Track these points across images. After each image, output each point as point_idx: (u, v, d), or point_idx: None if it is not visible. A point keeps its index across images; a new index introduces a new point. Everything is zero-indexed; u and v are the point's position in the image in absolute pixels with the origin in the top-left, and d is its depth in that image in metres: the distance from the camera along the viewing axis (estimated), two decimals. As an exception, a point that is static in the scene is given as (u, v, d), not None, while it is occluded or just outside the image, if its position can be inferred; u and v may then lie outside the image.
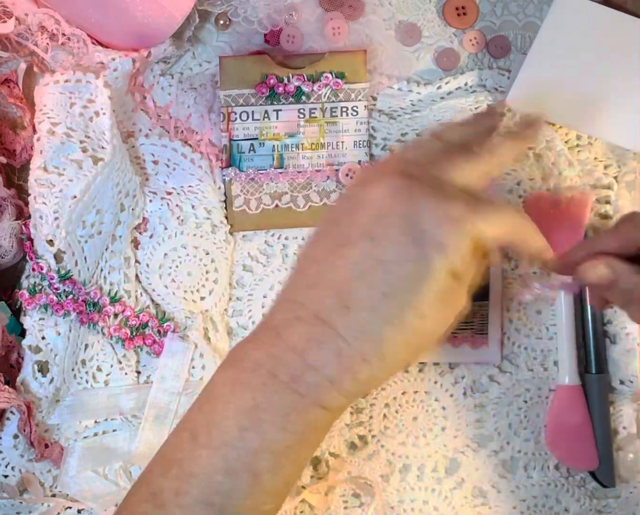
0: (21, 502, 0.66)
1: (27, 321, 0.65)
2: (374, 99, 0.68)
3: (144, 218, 0.68)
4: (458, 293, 0.49)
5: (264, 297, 0.69)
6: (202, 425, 0.49)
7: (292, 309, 0.49)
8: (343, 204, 0.52)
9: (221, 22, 0.68)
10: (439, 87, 0.68)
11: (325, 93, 0.67)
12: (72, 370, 0.66)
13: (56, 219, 0.64)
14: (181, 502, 0.46)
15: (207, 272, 0.68)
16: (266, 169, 0.67)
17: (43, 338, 0.65)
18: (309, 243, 0.52)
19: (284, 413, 0.47)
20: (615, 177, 0.68)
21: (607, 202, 0.68)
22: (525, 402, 0.68)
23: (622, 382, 0.68)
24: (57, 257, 0.65)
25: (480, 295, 0.66)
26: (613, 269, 0.52)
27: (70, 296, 0.65)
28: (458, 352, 0.68)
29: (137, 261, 0.68)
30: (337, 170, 0.67)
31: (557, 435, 0.67)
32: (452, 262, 0.47)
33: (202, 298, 0.68)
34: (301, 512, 0.68)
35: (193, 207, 0.68)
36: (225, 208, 0.68)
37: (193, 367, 0.67)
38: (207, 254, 0.68)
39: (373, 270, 0.47)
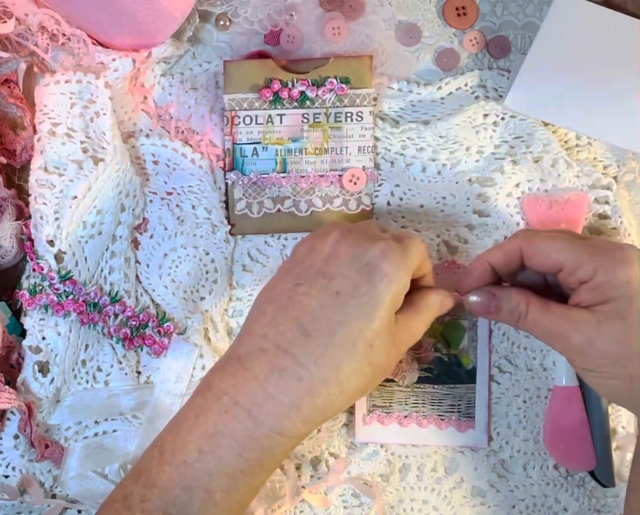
0: (22, 503, 0.66)
1: (28, 321, 0.65)
2: (375, 99, 0.68)
3: (144, 218, 0.68)
4: (404, 328, 0.57)
5: (264, 297, 0.69)
6: (169, 444, 0.54)
7: (255, 342, 0.54)
8: (296, 254, 0.58)
9: (221, 22, 0.68)
10: (439, 88, 0.68)
11: (330, 98, 0.67)
12: (73, 370, 0.66)
13: (57, 219, 0.64)
14: (144, 507, 0.52)
15: (207, 272, 0.68)
16: (269, 173, 0.67)
17: (43, 338, 0.65)
18: (266, 288, 0.58)
19: (241, 440, 0.52)
20: (615, 177, 0.68)
21: (606, 203, 0.68)
22: (525, 402, 0.68)
23: (621, 382, 0.68)
24: (58, 258, 0.65)
25: (468, 378, 0.67)
26: (492, 294, 0.58)
27: (71, 296, 0.65)
28: (444, 435, 0.68)
29: (137, 261, 0.68)
30: (340, 175, 0.67)
31: (555, 436, 0.67)
32: (395, 290, 0.54)
33: (202, 298, 0.68)
34: (301, 512, 0.68)
35: (193, 207, 0.68)
36: (227, 210, 0.68)
37: (193, 368, 0.67)
38: (207, 254, 0.68)
39: (330, 301, 0.53)
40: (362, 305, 0.53)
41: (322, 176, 0.67)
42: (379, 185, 0.69)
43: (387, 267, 0.54)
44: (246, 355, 0.54)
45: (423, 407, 0.68)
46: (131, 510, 0.51)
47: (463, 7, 0.68)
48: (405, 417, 0.68)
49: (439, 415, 0.68)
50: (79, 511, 0.67)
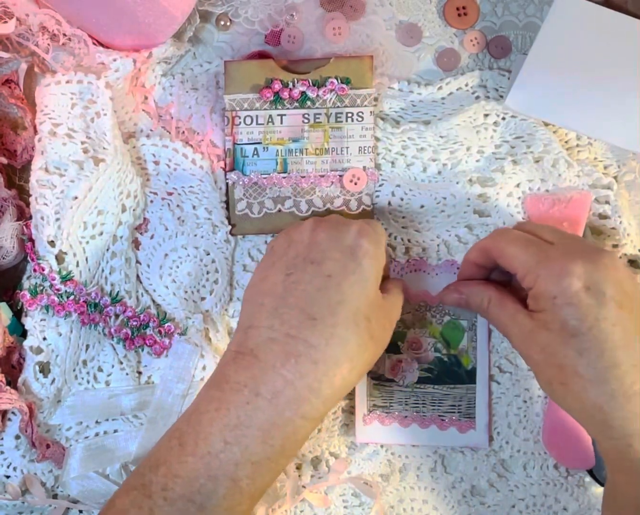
0: (23, 503, 0.67)
1: (29, 322, 0.65)
2: (375, 99, 0.68)
3: (144, 219, 0.68)
4: (391, 300, 0.61)
5: (265, 297, 0.69)
6: (190, 436, 0.54)
7: (262, 334, 0.56)
8: (275, 249, 0.60)
9: (222, 22, 0.68)
10: (440, 88, 0.68)
11: (330, 98, 0.67)
12: (73, 370, 0.66)
13: (57, 219, 0.64)
14: (166, 495, 0.53)
15: (207, 273, 0.68)
16: (269, 174, 0.67)
17: (44, 339, 0.65)
18: (254, 284, 0.59)
19: (265, 428, 0.54)
20: (615, 177, 0.68)
21: (607, 202, 0.68)
22: (525, 401, 0.68)
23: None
24: (59, 258, 0.65)
25: (468, 378, 0.67)
26: (459, 291, 0.64)
27: (72, 297, 0.65)
28: (446, 436, 0.68)
29: (137, 262, 0.68)
30: (341, 176, 0.67)
31: (554, 435, 0.67)
32: (377, 265, 0.58)
33: (203, 298, 0.68)
34: (301, 511, 0.69)
35: (194, 207, 0.68)
36: (227, 210, 0.68)
37: (195, 368, 0.67)
38: (208, 254, 0.68)
39: (325, 285, 0.56)
40: (354, 283, 0.56)
41: (322, 176, 0.67)
42: (380, 186, 0.69)
43: (367, 246, 0.57)
44: (257, 347, 0.55)
45: (423, 407, 0.68)
46: (152, 498, 0.52)
47: (464, 7, 0.68)
48: (406, 417, 0.68)
49: (439, 415, 0.68)
50: (81, 511, 0.67)
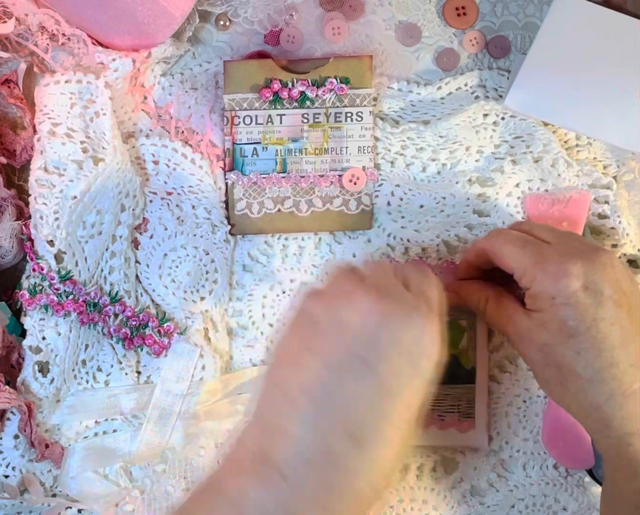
0: (22, 502, 0.66)
1: (28, 321, 0.65)
2: (375, 99, 0.68)
3: (144, 218, 0.68)
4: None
5: (264, 297, 0.69)
6: None
7: (291, 447, 0.46)
8: (317, 319, 0.49)
9: (221, 22, 0.68)
10: (439, 88, 0.68)
11: (330, 98, 0.67)
12: (73, 370, 0.66)
13: (56, 219, 0.64)
14: None
15: (207, 272, 0.68)
16: (269, 173, 0.67)
17: (43, 338, 0.65)
18: (282, 360, 0.50)
19: None
20: (615, 177, 0.68)
21: (606, 202, 0.68)
22: (525, 401, 0.68)
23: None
24: (58, 258, 0.65)
25: (468, 378, 0.67)
26: (455, 292, 0.63)
27: (71, 296, 0.65)
28: (445, 436, 0.68)
29: (137, 261, 0.68)
30: (340, 175, 0.67)
31: (554, 435, 0.67)
32: (437, 362, 0.49)
33: (202, 298, 0.68)
34: (301, 511, 0.68)
35: (193, 207, 0.68)
36: (227, 210, 0.68)
37: (194, 368, 0.67)
38: (207, 254, 0.68)
39: (376, 398, 0.47)
40: (407, 397, 0.48)
41: (322, 176, 0.67)
42: (379, 185, 0.69)
43: (431, 348, 0.49)
44: (286, 464, 0.45)
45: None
46: None
47: (463, 7, 0.68)
48: (406, 417, 0.68)
49: (439, 415, 0.68)
50: (80, 510, 0.67)
